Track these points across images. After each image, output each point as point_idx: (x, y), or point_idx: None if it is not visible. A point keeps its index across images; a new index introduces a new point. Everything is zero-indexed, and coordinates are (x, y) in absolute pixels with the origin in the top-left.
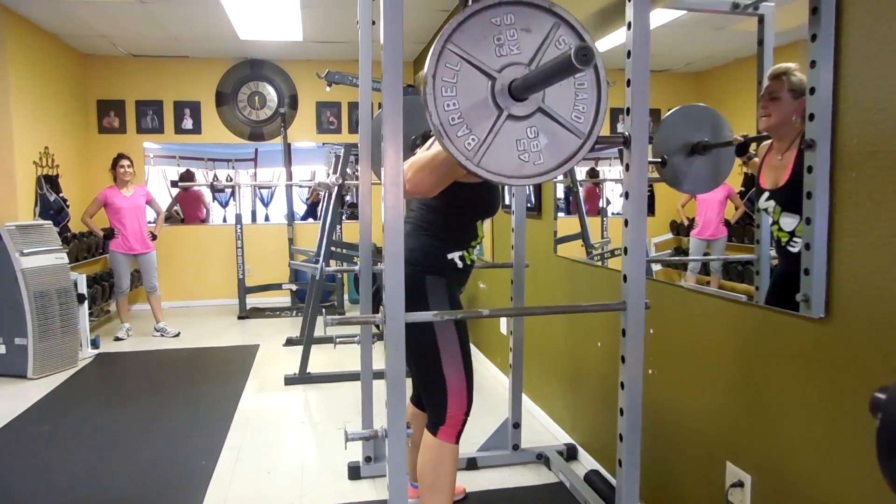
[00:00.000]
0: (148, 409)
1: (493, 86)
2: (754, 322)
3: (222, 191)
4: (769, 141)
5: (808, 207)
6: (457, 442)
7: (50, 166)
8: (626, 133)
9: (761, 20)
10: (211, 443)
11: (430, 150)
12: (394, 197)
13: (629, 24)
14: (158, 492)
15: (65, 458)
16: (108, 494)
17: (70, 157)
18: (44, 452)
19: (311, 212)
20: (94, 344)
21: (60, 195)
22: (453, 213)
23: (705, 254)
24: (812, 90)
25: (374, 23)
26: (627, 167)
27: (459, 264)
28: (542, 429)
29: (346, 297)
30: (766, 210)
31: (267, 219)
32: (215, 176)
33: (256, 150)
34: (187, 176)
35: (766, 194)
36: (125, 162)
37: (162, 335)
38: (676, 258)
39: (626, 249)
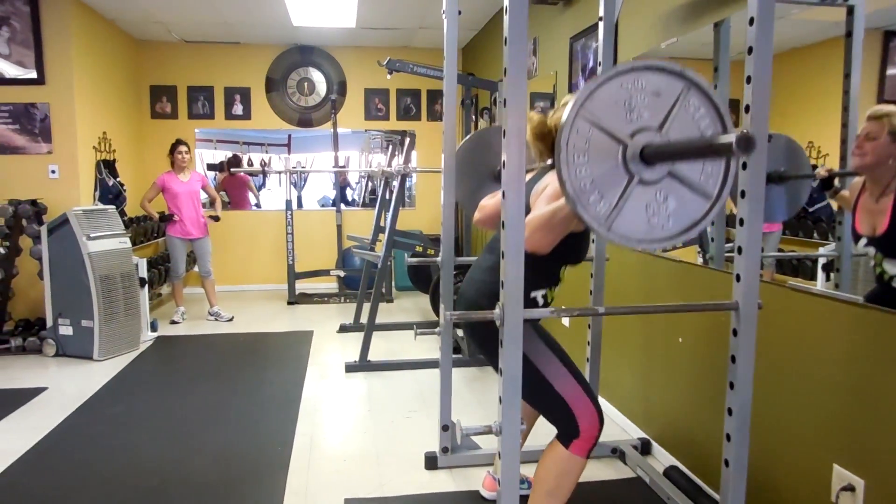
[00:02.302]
0: (214, 393)
1: (625, 151)
2: (864, 323)
3: (264, 175)
4: (860, 179)
5: None
6: (588, 456)
7: (108, 151)
8: (745, 130)
9: (851, 11)
10: (282, 429)
11: (546, 208)
12: (514, 190)
13: (751, 20)
14: (241, 477)
15: (144, 440)
16: (193, 478)
17: (125, 143)
18: (123, 433)
19: (342, 196)
20: (153, 327)
21: (118, 180)
22: (545, 258)
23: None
24: None
25: (460, 13)
26: (745, 166)
27: (541, 302)
28: (612, 423)
29: (393, 283)
30: (865, 254)
31: (300, 204)
32: (262, 161)
33: (290, 135)
34: (234, 161)
35: (865, 241)
36: (183, 148)
37: (216, 319)
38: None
39: (739, 249)
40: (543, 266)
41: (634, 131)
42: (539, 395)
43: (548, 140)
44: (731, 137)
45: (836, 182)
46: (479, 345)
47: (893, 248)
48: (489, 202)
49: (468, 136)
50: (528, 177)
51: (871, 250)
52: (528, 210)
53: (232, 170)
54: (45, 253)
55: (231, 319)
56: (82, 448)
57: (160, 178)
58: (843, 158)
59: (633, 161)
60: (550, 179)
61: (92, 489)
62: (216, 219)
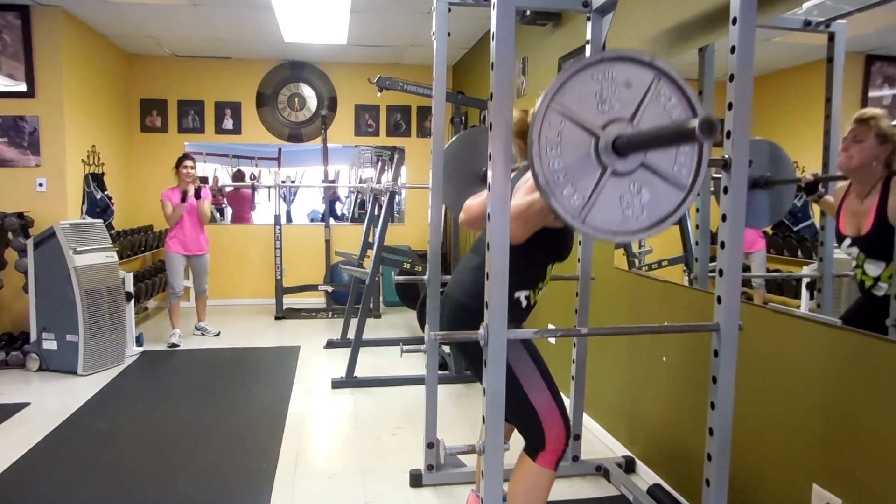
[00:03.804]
0: (199, 409)
1: (597, 143)
2: (842, 345)
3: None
4: (845, 183)
5: None
6: (556, 468)
7: (96, 165)
8: (727, 156)
9: (832, 37)
10: (267, 446)
11: (523, 199)
12: (499, 212)
13: (732, 48)
14: (225, 495)
15: (128, 458)
16: (177, 496)
17: (114, 156)
18: (106, 450)
19: (331, 211)
20: (139, 341)
21: (106, 193)
22: (529, 255)
23: (745, 267)
24: None
25: (449, 34)
26: (726, 190)
27: (524, 303)
28: (597, 440)
29: (381, 299)
30: (848, 255)
31: (289, 218)
32: (252, 175)
33: (280, 149)
34: (238, 176)
35: (848, 241)
36: (189, 162)
37: (203, 334)
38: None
39: (720, 271)
40: (527, 264)
41: (606, 122)
42: (513, 403)
43: (528, 137)
44: (693, 122)
45: (821, 187)
46: (469, 358)
47: (876, 248)
48: (474, 202)
49: (455, 137)
50: (510, 176)
51: (855, 251)
52: None
53: (221, 184)
54: (31, 266)
55: (218, 334)
56: (65, 465)
57: (164, 195)
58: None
59: (606, 152)
60: (530, 174)
61: None
62: (198, 193)
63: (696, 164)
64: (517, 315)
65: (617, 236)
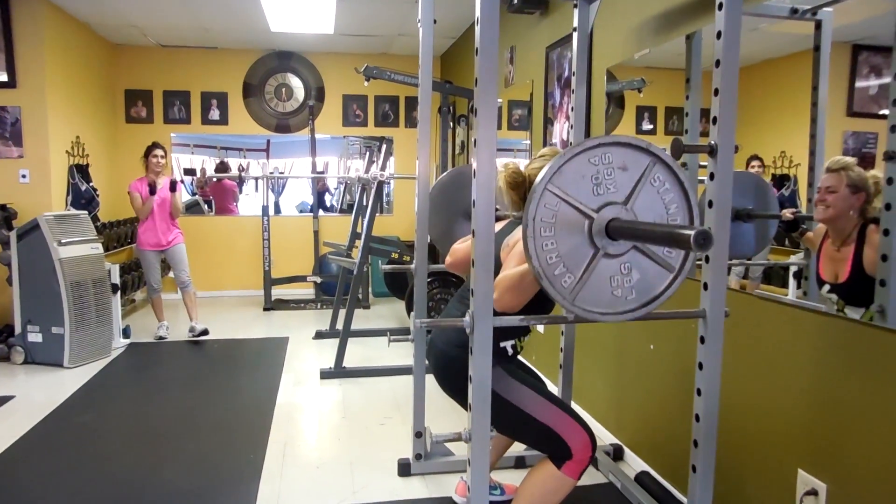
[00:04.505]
0: (187, 400)
1: (591, 226)
2: (827, 331)
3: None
4: (823, 227)
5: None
6: (579, 479)
7: (81, 156)
8: (713, 142)
9: (818, 25)
10: (255, 436)
11: (516, 270)
12: (484, 198)
13: (718, 34)
14: (212, 486)
15: (115, 450)
16: (164, 487)
17: (99, 147)
18: (93, 442)
19: (320, 202)
20: (126, 333)
21: (91, 185)
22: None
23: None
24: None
25: (435, 21)
26: (712, 176)
27: (510, 352)
28: None
29: (370, 289)
30: (829, 299)
31: (278, 209)
32: (240, 166)
33: (269, 140)
34: (223, 167)
35: (828, 287)
36: (158, 151)
37: (192, 334)
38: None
39: (706, 258)
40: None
41: (601, 205)
42: (525, 430)
43: (521, 190)
44: (690, 232)
45: (802, 225)
46: (449, 387)
47: (854, 296)
48: (460, 247)
49: (445, 173)
50: (499, 226)
51: (834, 297)
52: (497, 262)
53: (208, 175)
54: (15, 259)
55: (200, 335)
56: (50, 457)
57: (132, 185)
58: (811, 169)
59: (599, 235)
60: (521, 234)
61: (60, 500)
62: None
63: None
64: (505, 365)
65: (605, 317)
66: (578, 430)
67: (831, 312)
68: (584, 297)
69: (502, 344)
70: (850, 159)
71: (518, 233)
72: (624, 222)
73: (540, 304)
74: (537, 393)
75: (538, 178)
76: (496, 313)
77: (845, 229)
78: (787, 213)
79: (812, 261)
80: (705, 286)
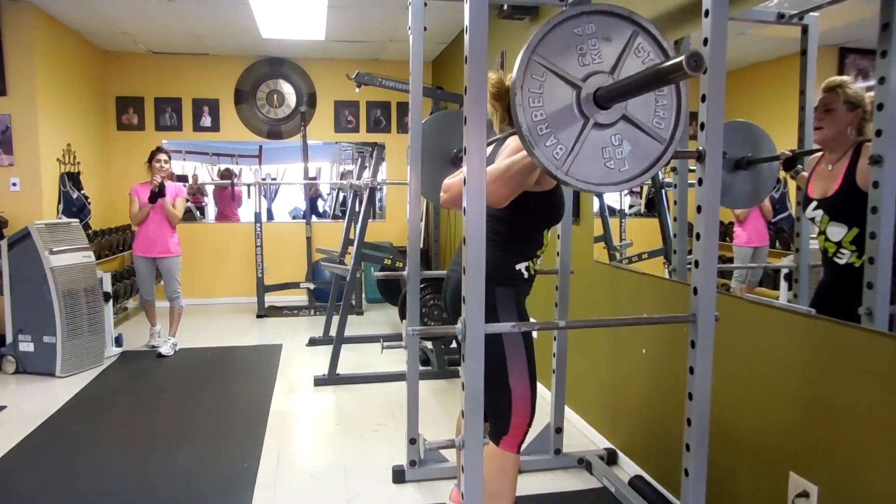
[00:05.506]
0: (180, 409)
1: (579, 95)
2: (816, 333)
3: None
4: (818, 154)
5: (874, 222)
6: (518, 452)
7: (72, 163)
8: (701, 148)
9: (805, 30)
10: (249, 445)
11: (503, 162)
12: (476, 206)
13: (705, 40)
14: (206, 495)
15: (107, 459)
16: (157, 497)
17: (90, 155)
18: (85, 452)
19: (312, 208)
20: (118, 342)
21: (82, 192)
22: (522, 222)
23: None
24: (880, 106)
25: (425, 29)
26: (700, 181)
27: (525, 275)
28: (579, 433)
29: (363, 295)
30: (812, 219)
31: (270, 216)
32: (231, 171)
33: (261, 146)
34: (226, 174)
35: (814, 204)
36: (162, 156)
37: (152, 345)
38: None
39: (696, 262)
40: (523, 233)
41: (587, 75)
42: (494, 383)
43: (505, 100)
44: (680, 58)
45: (798, 164)
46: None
47: (840, 210)
48: (452, 181)
49: (430, 116)
50: (489, 150)
51: (819, 214)
52: None
53: (200, 182)
54: (6, 268)
55: (173, 349)
56: (43, 468)
57: (133, 189)
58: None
59: (587, 104)
60: (510, 140)
61: None
62: (161, 190)
63: (675, 117)
64: (522, 287)
65: (599, 187)
66: (527, 412)
67: (821, 317)
68: (576, 169)
69: (517, 266)
70: (847, 77)
71: (506, 143)
72: (612, 84)
73: (546, 207)
74: (526, 360)
75: (523, 48)
76: (505, 222)
77: (842, 147)
78: (786, 151)
79: (804, 228)
80: (695, 291)
